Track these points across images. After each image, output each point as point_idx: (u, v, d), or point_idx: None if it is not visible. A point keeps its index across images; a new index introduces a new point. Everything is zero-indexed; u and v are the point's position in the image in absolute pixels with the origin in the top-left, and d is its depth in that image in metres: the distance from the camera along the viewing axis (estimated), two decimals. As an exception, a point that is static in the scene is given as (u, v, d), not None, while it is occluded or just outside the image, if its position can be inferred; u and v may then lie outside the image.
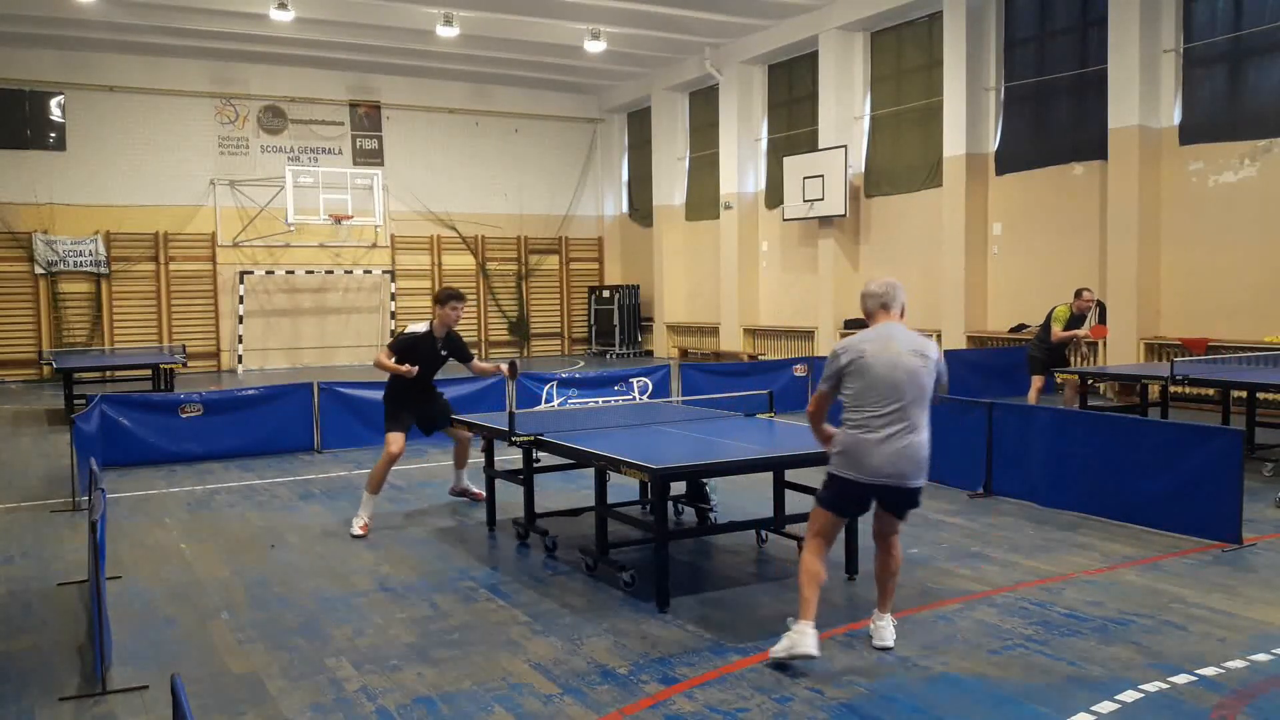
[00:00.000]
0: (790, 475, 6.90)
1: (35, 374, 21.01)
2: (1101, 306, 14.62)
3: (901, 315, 5.04)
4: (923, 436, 4.86)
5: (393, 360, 7.83)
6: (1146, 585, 5.98)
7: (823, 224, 19.92)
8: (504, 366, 7.92)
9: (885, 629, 5.07)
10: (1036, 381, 11.92)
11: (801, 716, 4.28)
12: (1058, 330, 11.67)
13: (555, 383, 13.02)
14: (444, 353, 8.13)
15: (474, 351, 8.51)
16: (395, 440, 7.86)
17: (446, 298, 8.08)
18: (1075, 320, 11.99)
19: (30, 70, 20.95)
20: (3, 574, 6.72)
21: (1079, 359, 14.64)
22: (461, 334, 8.56)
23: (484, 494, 8.07)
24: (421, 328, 8.07)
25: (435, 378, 8.39)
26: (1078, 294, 12.06)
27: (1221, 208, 13.88)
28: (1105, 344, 14.49)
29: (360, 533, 7.62)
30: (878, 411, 4.79)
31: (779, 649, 4.78)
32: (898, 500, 4.93)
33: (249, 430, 11.26)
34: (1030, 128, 16.66)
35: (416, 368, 7.87)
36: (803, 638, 4.70)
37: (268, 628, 5.53)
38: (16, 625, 5.68)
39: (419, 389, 8.12)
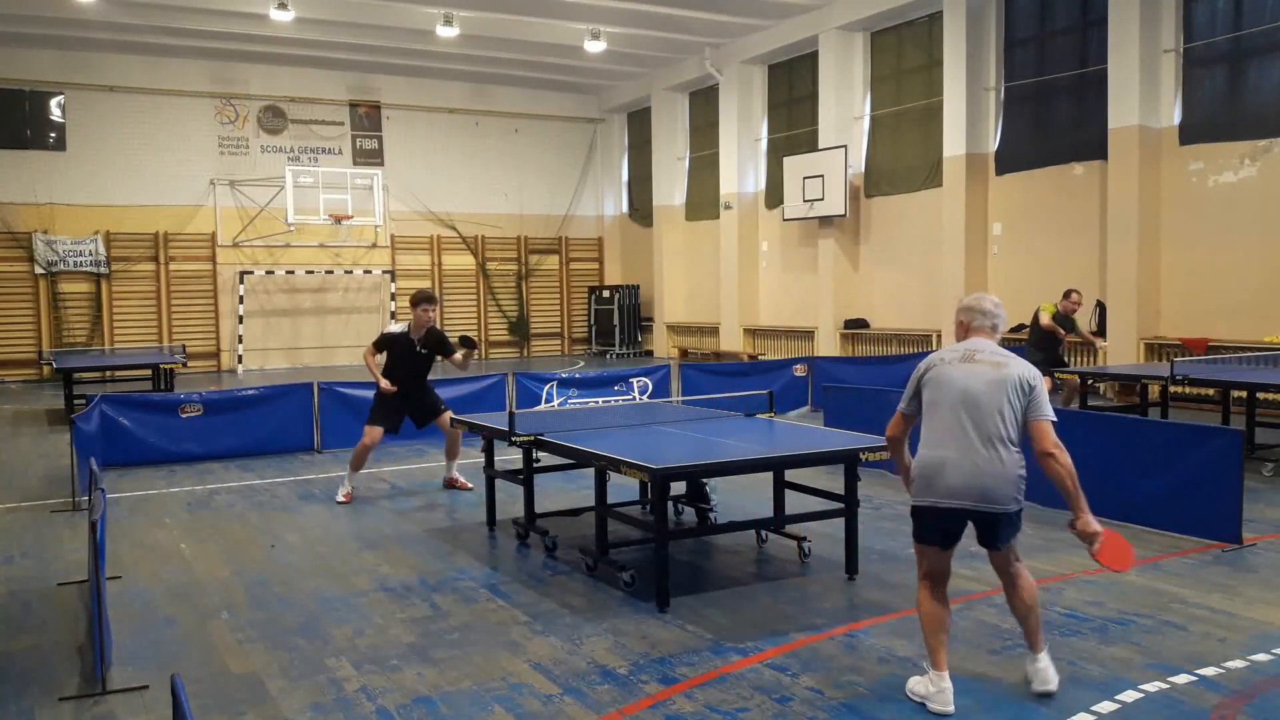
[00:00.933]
0: (790, 475, 6.91)
1: (35, 374, 21.01)
2: (1102, 307, 14.65)
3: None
4: (1005, 455, 4.33)
5: (376, 358, 8.79)
6: (1146, 585, 5.98)
7: (823, 224, 19.92)
8: (458, 356, 8.76)
9: (1045, 670, 4.42)
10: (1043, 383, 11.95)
11: (801, 716, 4.28)
12: (1045, 319, 11.81)
13: (555, 383, 13.02)
14: (424, 350, 8.81)
15: (455, 348, 8.91)
16: (370, 433, 8.68)
17: (419, 300, 8.77)
18: (1062, 320, 12.07)
19: (30, 70, 20.96)
20: (3, 574, 6.72)
21: (1081, 359, 14.64)
22: (460, 333, 8.81)
23: (470, 485, 8.99)
24: (399, 328, 8.83)
25: (429, 377, 9.12)
26: (1066, 295, 12.16)
27: (1221, 208, 13.88)
28: (1092, 346, 14.49)
29: (343, 500, 8.63)
30: (956, 424, 4.34)
31: (914, 690, 4.39)
32: (987, 525, 4.40)
33: (249, 430, 11.26)
34: (1030, 128, 16.65)
35: (395, 388, 8.76)
36: (940, 694, 4.27)
37: (268, 628, 5.53)
38: (16, 625, 5.68)
39: (406, 389, 8.81)
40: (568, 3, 18.76)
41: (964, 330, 4.67)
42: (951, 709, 4.26)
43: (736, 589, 6.09)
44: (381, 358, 8.87)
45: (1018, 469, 4.37)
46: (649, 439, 6.72)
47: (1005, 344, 4.80)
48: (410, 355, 8.77)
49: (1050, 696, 4.38)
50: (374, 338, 9.06)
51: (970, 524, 4.41)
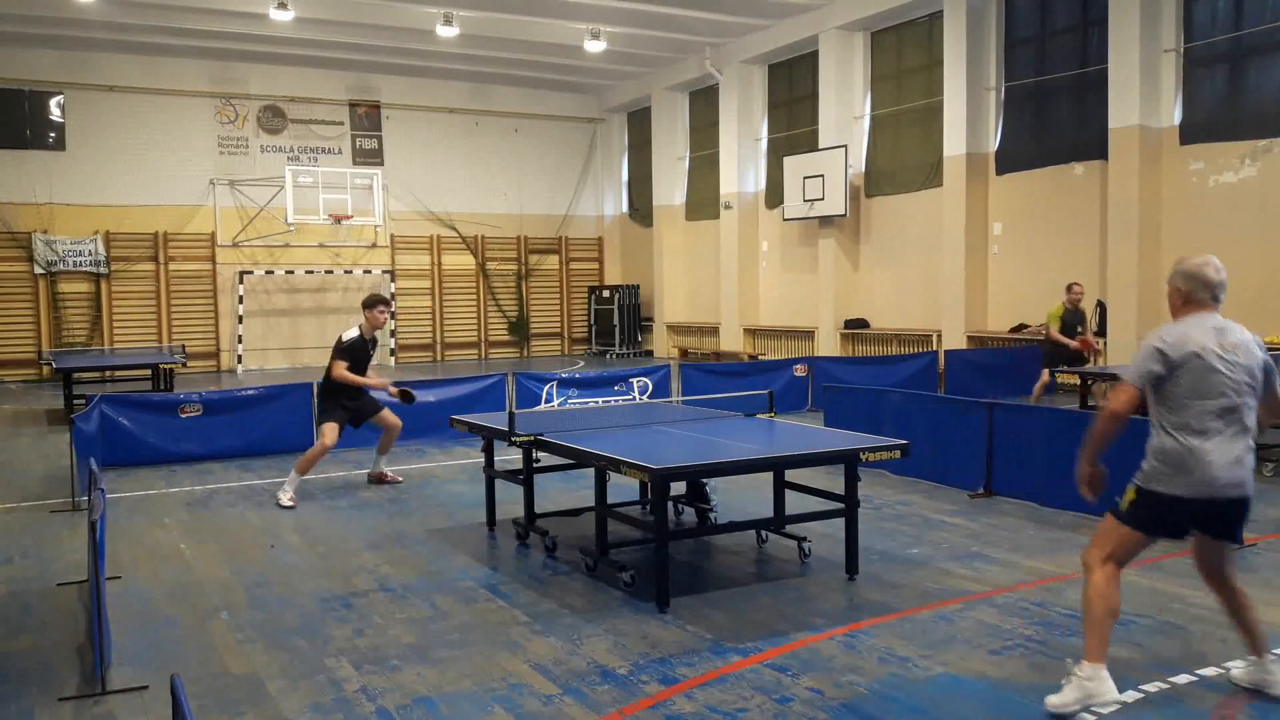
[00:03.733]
0: (790, 475, 6.90)
1: (35, 374, 21.01)
2: (1102, 307, 14.66)
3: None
4: (1250, 443, 4.19)
5: (345, 368, 8.89)
6: (1147, 585, 5.98)
7: (823, 224, 19.92)
8: (392, 389, 9.33)
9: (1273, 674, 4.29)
10: (1044, 377, 12.34)
11: (801, 716, 4.28)
12: (1052, 330, 12.23)
13: (555, 383, 13.01)
14: (373, 351, 9.16)
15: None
16: (330, 432, 8.88)
17: (373, 302, 9.03)
18: (1071, 315, 12.37)
19: (30, 70, 20.95)
20: (3, 574, 6.72)
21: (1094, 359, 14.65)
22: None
23: (400, 478, 9.47)
24: (354, 333, 9.01)
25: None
26: (1068, 288, 12.41)
27: (1222, 208, 13.88)
28: (1105, 345, 14.49)
29: (289, 504, 8.56)
30: (1215, 410, 4.09)
31: (1066, 701, 4.14)
32: (1234, 515, 4.21)
33: (249, 430, 11.25)
34: (1030, 128, 16.66)
35: (398, 390, 9.24)
36: (1100, 684, 4.11)
37: (268, 628, 5.53)
38: (16, 625, 5.68)
39: (357, 391, 9.07)
40: (568, 3, 18.75)
41: (1182, 300, 4.24)
42: (1117, 694, 4.16)
43: (736, 589, 6.09)
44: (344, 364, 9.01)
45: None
46: (649, 439, 6.71)
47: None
48: (367, 358, 9.07)
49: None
50: (334, 350, 8.99)
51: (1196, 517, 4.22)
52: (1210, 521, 4.22)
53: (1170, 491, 4.15)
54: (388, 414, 9.34)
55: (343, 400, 8.99)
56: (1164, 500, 4.16)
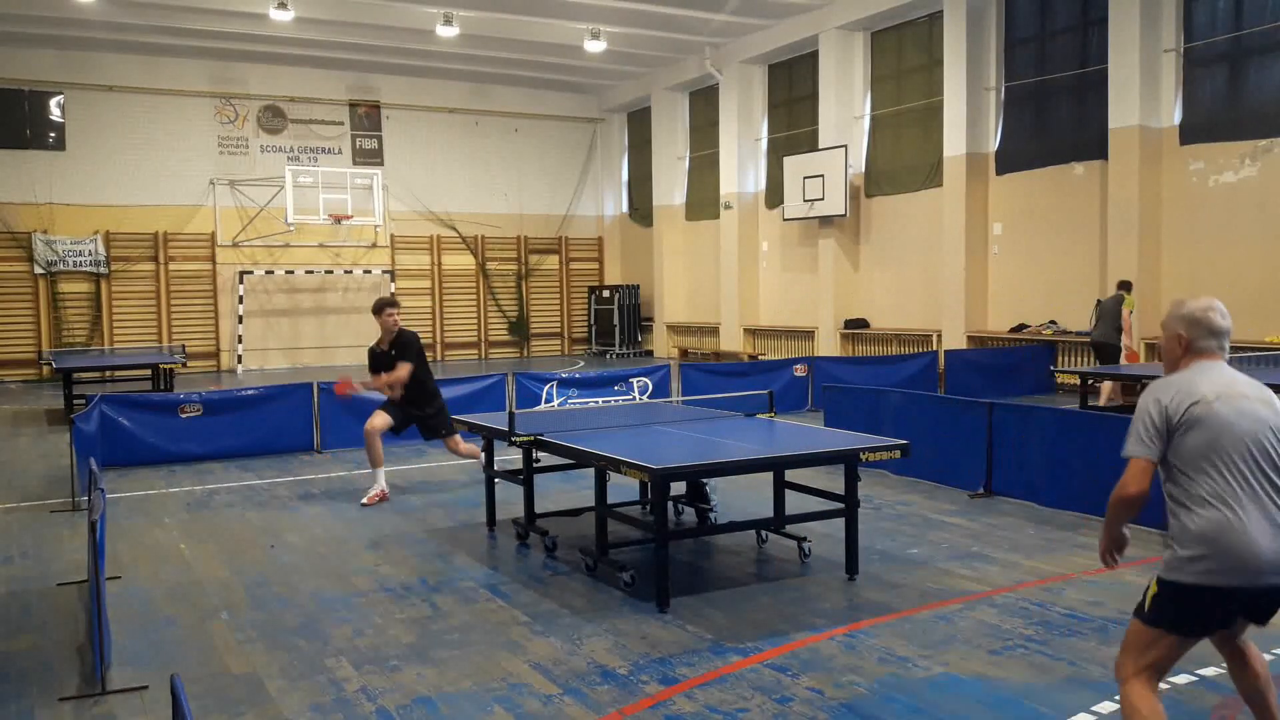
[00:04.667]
0: (790, 475, 6.90)
1: (35, 374, 21.01)
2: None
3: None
4: None
5: (373, 378, 8.79)
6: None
7: (823, 224, 19.92)
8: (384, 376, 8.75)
9: None
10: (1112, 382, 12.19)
11: (801, 716, 4.27)
12: (1126, 315, 12.07)
13: (555, 383, 13.01)
14: (393, 353, 8.81)
15: (400, 360, 8.81)
16: (375, 417, 8.63)
17: (380, 307, 8.87)
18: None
19: (30, 70, 20.96)
20: (3, 574, 6.72)
21: (1080, 359, 14.71)
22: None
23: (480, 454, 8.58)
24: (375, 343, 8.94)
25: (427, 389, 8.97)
26: (1128, 285, 12.40)
27: (1222, 208, 13.88)
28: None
29: (366, 501, 8.52)
30: (1242, 481, 3.32)
31: None
32: (1271, 602, 3.40)
33: (249, 430, 11.25)
34: (1030, 128, 16.66)
35: (387, 388, 8.72)
36: None
37: (268, 628, 5.53)
38: (16, 625, 5.67)
39: (405, 396, 8.77)
40: (568, 3, 18.75)
41: (1183, 348, 3.55)
42: None
43: (736, 589, 6.09)
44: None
45: None
46: (649, 439, 6.71)
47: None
48: (385, 365, 8.80)
49: None
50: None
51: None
52: (1260, 606, 3.43)
53: (1212, 581, 3.30)
54: (457, 442, 8.90)
55: (406, 406, 8.72)
56: (1206, 591, 3.33)
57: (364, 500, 8.58)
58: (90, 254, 21.55)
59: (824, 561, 6.55)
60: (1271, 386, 3.59)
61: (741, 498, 8.17)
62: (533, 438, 6.67)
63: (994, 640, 5.11)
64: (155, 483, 9.79)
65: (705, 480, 7.47)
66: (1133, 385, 12.31)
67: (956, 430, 8.83)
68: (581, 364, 22.99)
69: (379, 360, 8.86)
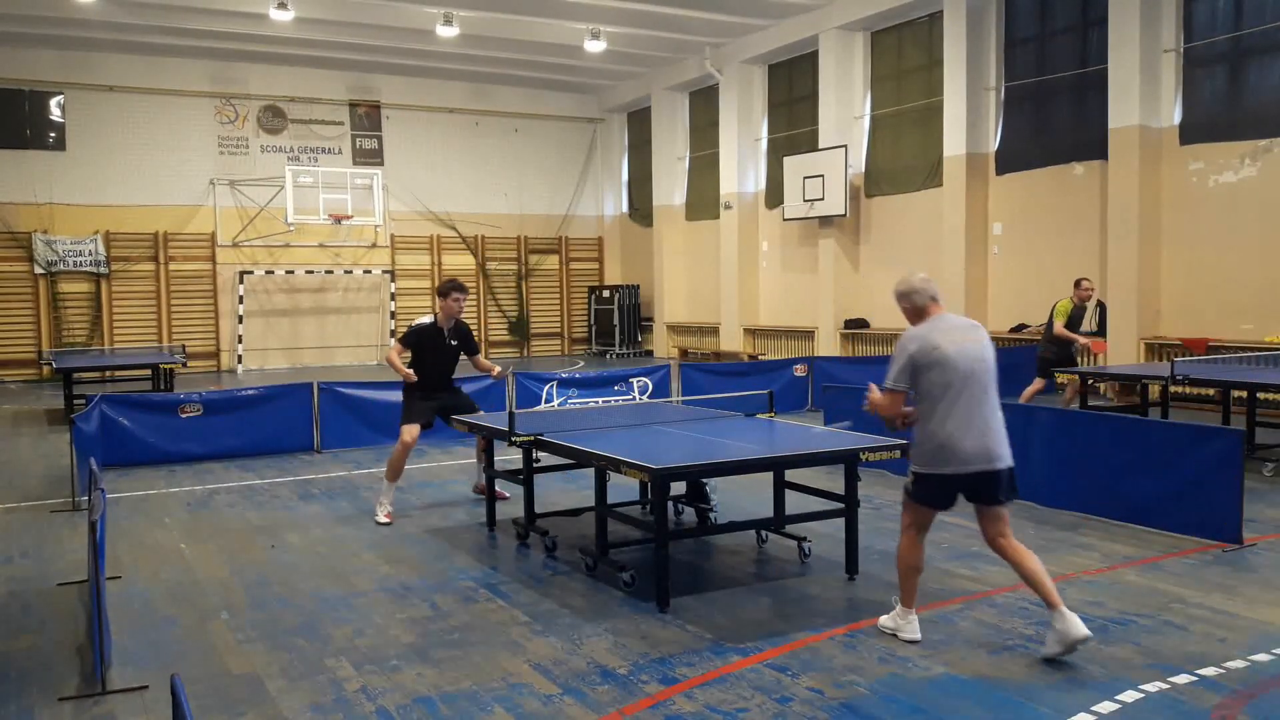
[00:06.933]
0: (790, 475, 6.90)
1: (35, 374, 21.00)
2: (1102, 307, 14.64)
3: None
4: (1000, 416, 5.00)
5: (401, 357, 8.13)
6: (1147, 585, 5.98)
7: (823, 224, 19.92)
8: (497, 370, 8.47)
9: (1073, 618, 4.77)
10: (1037, 383, 11.97)
11: (801, 716, 4.28)
12: (1059, 325, 11.74)
13: (555, 383, 13.01)
14: (454, 343, 8.30)
15: (478, 348, 8.57)
16: (409, 430, 8.08)
17: (448, 289, 8.27)
18: (1078, 311, 12.03)
19: (30, 70, 20.95)
20: (3, 574, 6.72)
21: (1083, 359, 14.66)
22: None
23: (507, 495, 8.40)
24: (427, 320, 8.27)
25: (454, 375, 8.55)
26: (1077, 284, 12.13)
27: (1222, 208, 13.88)
28: (1086, 348, 14.47)
29: (385, 520, 7.95)
30: (964, 401, 4.89)
31: (885, 625, 5.19)
32: (987, 484, 4.94)
33: (249, 430, 11.25)
34: (1030, 128, 16.66)
35: (416, 378, 8.14)
36: (910, 625, 5.17)
37: (268, 628, 5.53)
38: (16, 625, 5.68)
39: (436, 383, 8.27)
40: (568, 3, 18.75)
41: (915, 312, 5.11)
42: (919, 636, 5.07)
43: (736, 589, 6.09)
44: (408, 355, 8.23)
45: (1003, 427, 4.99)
46: (649, 439, 6.71)
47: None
48: (440, 348, 8.20)
49: (1087, 640, 4.73)
50: (395, 337, 8.68)
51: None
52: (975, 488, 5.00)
53: (942, 470, 4.95)
54: (480, 360, 8.48)
55: (425, 397, 8.12)
56: (940, 478, 5.01)
57: (384, 519, 7.94)
58: (90, 254, 21.55)
59: (824, 561, 6.55)
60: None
61: (741, 498, 8.17)
62: (533, 438, 6.68)
63: (994, 640, 5.12)
64: (155, 483, 9.80)
65: (705, 480, 7.47)
66: (1131, 386, 12.33)
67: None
68: (581, 364, 22.99)
69: (433, 339, 8.15)
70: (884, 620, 5.23)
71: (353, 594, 6.13)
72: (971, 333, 5.04)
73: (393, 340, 8.69)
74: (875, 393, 5.20)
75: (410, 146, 24.64)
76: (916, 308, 5.12)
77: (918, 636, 5.06)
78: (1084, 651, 4.93)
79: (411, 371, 8.09)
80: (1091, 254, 15.43)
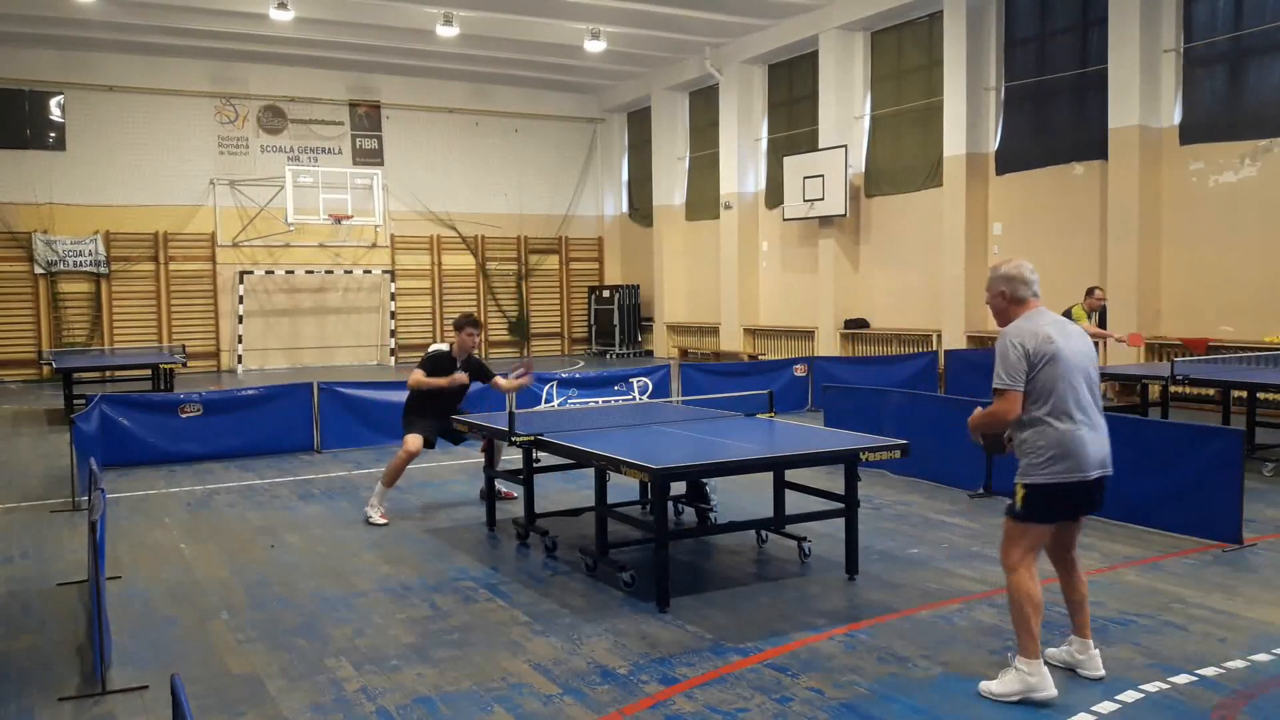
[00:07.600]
0: (790, 475, 6.90)
1: (35, 374, 21.00)
2: (1103, 308, 14.63)
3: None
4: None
5: (429, 377, 8.17)
6: (1147, 585, 5.98)
7: (823, 224, 19.92)
8: (519, 373, 8.51)
9: (1097, 656, 4.62)
10: None
11: (801, 716, 4.28)
12: (1088, 325, 11.77)
13: (555, 383, 13.00)
14: (465, 374, 8.39)
15: (494, 371, 8.60)
16: (414, 440, 8.10)
17: (463, 324, 8.45)
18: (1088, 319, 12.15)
19: (30, 70, 20.95)
20: (3, 574, 6.72)
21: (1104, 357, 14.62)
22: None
23: (514, 494, 8.32)
24: (444, 347, 8.46)
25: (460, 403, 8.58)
26: (1089, 292, 12.18)
27: (1222, 208, 13.88)
28: (1105, 344, 14.47)
29: (382, 521, 7.93)
30: (1080, 401, 4.43)
31: (1004, 691, 4.38)
32: (1100, 491, 4.53)
33: (249, 430, 11.25)
34: (1030, 128, 16.65)
35: (466, 375, 8.27)
36: (1042, 679, 4.37)
37: (268, 628, 5.53)
38: (16, 625, 5.68)
39: (441, 409, 8.30)
40: (568, 3, 18.75)
41: (1007, 301, 4.58)
42: (1055, 691, 4.33)
43: (736, 589, 6.09)
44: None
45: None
46: (649, 439, 6.72)
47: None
48: (450, 373, 8.38)
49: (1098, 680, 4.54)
50: (406, 358, 8.66)
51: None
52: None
53: (1068, 478, 4.40)
54: (499, 381, 8.56)
55: (427, 417, 8.26)
56: (1065, 487, 4.42)
57: (380, 520, 7.96)
58: (90, 254, 21.55)
59: (824, 561, 6.55)
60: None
61: (741, 498, 8.17)
62: (533, 438, 6.68)
63: (994, 640, 5.11)
64: (155, 483, 9.80)
65: (705, 480, 7.48)
66: (1131, 386, 12.33)
67: (957, 430, 8.79)
68: (581, 364, 22.98)
69: (447, 370, 8.32)
70: (995, 687, 4.39)
71: (353, 594, 6.13)
72: (1074, 329, 4.55)
73: (416, 369, 8.53)
74: (979, 414, 4.63)
75: (410, 146, 24.64)
76: (1017, 299, 4.53)
77: (1054, 692, 4.32)
78: (1084, 651, 4.93)
79: (445, 380, 8.17)
80: (1091, 254, 15.43)
